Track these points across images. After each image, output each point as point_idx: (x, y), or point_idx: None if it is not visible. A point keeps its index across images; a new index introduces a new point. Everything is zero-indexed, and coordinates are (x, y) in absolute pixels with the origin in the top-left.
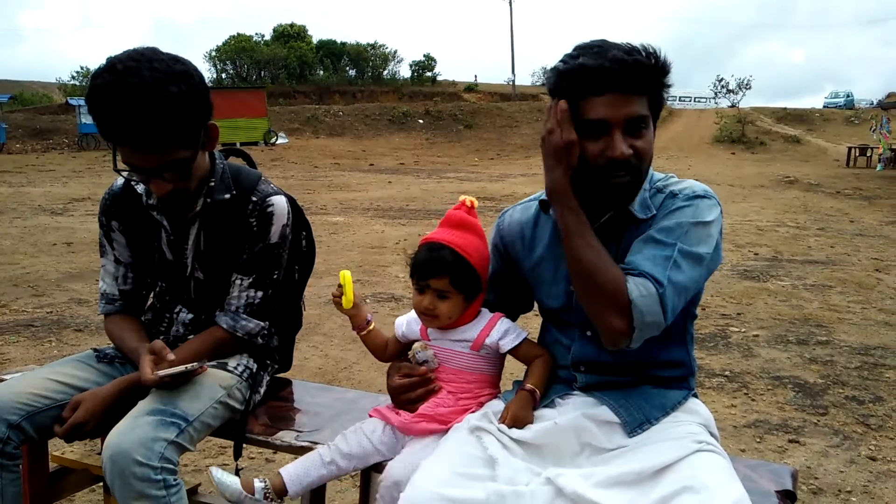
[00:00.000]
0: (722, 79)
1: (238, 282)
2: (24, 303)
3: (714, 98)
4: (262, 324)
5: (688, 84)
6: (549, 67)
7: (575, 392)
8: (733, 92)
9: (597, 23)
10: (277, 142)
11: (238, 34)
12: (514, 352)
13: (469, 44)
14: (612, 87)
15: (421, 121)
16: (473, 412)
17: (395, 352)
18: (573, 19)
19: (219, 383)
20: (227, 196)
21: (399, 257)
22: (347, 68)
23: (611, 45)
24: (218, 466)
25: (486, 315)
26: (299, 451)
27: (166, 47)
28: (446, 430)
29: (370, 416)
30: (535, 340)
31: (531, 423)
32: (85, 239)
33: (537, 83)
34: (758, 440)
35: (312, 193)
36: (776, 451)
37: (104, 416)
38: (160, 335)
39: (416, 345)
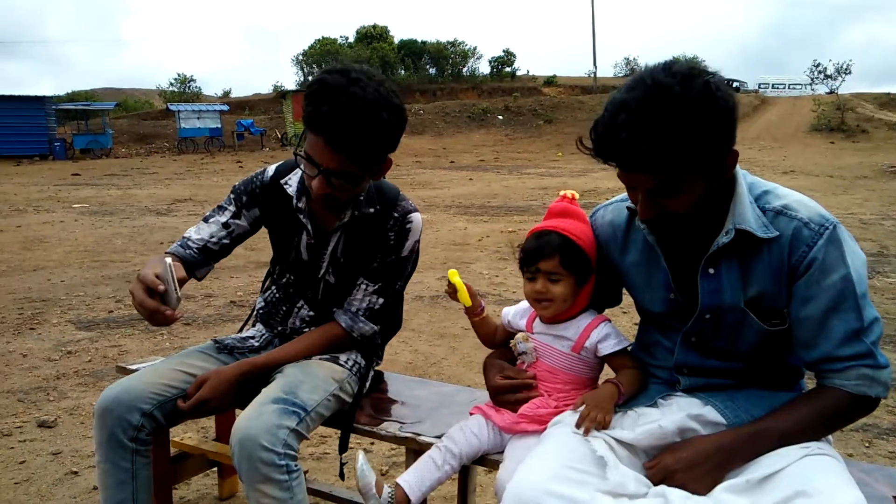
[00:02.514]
0: (819, 64)
1: (364, 286)
2: None
3: (811, 84)
4: (375, 327)
5: (783, 70)
6: (632, 58)
7: (678, 393)
8: (831, 77)
9: (685, 8)
10: None
11: (323, 38)
12: (610, 358)
13: (549, 37)
14: (615, 162)
15: (500, 117)
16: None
17: (502, 339)
18: (659, 5)
19: (332, 376)
20: (372, 210)
21: (482, 254)
22: (428, 67)
23: (622, 117)
24: (363, 451)
25: (589, 315)
26: (403, 441)
27: (258, 53)
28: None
29: (472, 413)
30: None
31: (608, 416)
32: None
33: (620, 74)
34: (866, 445)
35: None
36: (887, 456)
37: (226, 395)
38: (278, 324)
39: (518, 335)
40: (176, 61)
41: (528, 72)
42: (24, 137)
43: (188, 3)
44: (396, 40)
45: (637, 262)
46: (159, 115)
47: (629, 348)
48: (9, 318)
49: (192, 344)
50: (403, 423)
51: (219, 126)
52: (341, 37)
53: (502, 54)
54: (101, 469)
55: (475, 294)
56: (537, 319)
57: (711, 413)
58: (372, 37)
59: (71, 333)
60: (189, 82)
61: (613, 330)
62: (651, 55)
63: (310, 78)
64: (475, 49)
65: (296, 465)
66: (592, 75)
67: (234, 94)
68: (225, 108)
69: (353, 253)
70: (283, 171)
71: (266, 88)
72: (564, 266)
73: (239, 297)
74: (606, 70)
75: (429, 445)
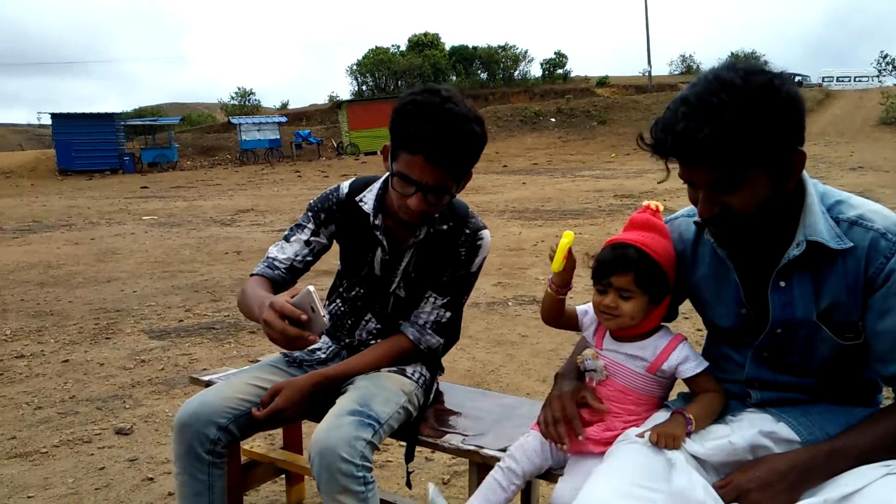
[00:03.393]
0: (887, 55)
1: (432, 300)
2: (205, 307)
3: (878, 76)
4: (441, 340)
5: (848, 63)
6: (688, 55)
7: (749, 409)
8: None
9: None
10: None
11: (376, 47)
12: (689, 380)
13: (601, 37)
14: (674, 156)
15: (553, 119)
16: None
17: (567, 324)
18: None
19: (402, 389)
20: (445, 227)
21: (538, 259)
22: (479, 72)
23: (683, 110)
24: (433, 484)
25: (666, 333)
26: (466, 454)
27: (314, 65)
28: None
29: (532, 429)
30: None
31: (681, 442)
32: (251, 248)
33: (675, 72)
34: None
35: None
36: None
37: (299, 405)
38: (345, 336)
39: (586, 351)
40: (236, 75)
41: (579, 73)
42: (95, 153)
43: (245, 19)
44: (447, 47)
45: (706, 276)
46: (221, 128)
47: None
48: (86, 328)
49: (257, 352)
50: (466, 436)
51: (278, 137)
52: (393, 45)
53: (554, 56)
54: (179, 480)
55: (573, 274)
56: (608, 335)
57: (784, 430)
58: (423, 44)
59: (144, 342)
60: (249, 95)
61: (692, 351)
62: (708, 51)
63: (364, 87)
64: (526, 52)
65: (371, 477)
66: (647, 74)
67: (291, 106)
68: (283, 119)
69: (425, 268)
70: (357, 188)
71: (322, 99)
72: (639, 284)
73: None
74: (661, 68)
75: (492, 458)
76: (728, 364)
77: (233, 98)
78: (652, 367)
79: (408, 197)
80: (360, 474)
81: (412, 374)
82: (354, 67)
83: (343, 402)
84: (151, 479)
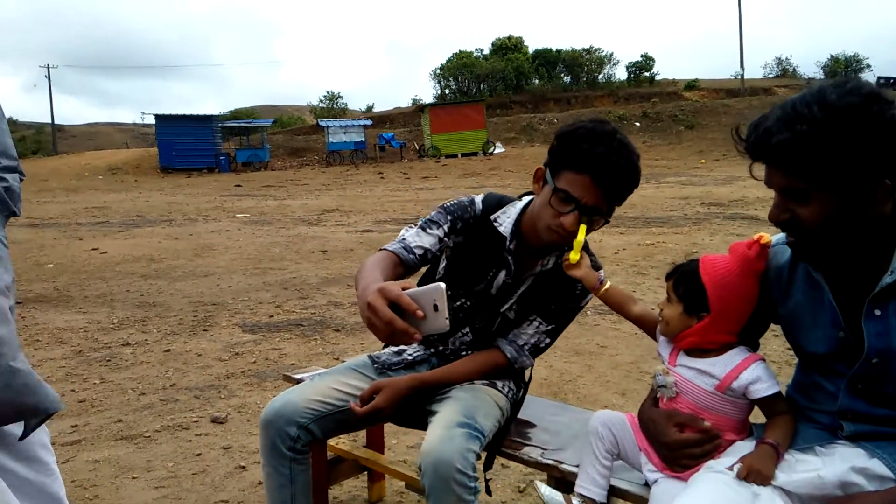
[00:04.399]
0: None
1: (536, 324)
2: (293, 304)
3: None
4: (533, 362)
5: None
6: (784, 58)
7: (840, 441)
8: None
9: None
10: (495, 151)
11: (460, 51)
12: (761, 401)
13: (691, 40)
14: (750, 153)
15: (637, 123)
16: (716, 458)
17: (642, 322)
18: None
19: (497, 402)
20: None
21: (618, 267)
22: (562, 75)
23: (776, 112)
24: (541, 481)
25: (741, 352)
26: (545, 468)
27: (400, 67)
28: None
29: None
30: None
31: (771, 480)
32: (336, 247)
33: (770, 76)
34: None
35: None
36: None
37: (396, 406)
38: (438, 343)
39: (659, 367)
40: (325, 78)
41: (666, 76)
42: (194, 152)
43: (336, 24)
44: (531, 50)
45: (801, 301)
46: (310, 129)
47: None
48: (185, 319)
49: (341, 350)
50: (545, 450)
51: (363, 140)
52: (477, 49)
53: (640, 59)
54: (265, 472)
55: (589, 265)
56: (682, 352)
57: (878, 466)
58: (507, 48)
59: (238, 336)
60: (336, 99)
61: (766, 371)
62: (805, 55)
63: (446, 91)
64: (611, 55)
65: (478, 488)
66: (739, 77)
67: (376, 109)
68: (368, 122)
69: (540, 295)
70: (490, 207)
71: (405, 102)
72: (675, 290)
73: None
74: (755, 71)
75: (571, 474)
76: (819, 394)
77: (321, 101)
78: (721, 384)
79: (563, 215)
80: (472, 485)
81: (502, 388)
82: (438, 71)
83: (449, 414)
84: (243, 467)
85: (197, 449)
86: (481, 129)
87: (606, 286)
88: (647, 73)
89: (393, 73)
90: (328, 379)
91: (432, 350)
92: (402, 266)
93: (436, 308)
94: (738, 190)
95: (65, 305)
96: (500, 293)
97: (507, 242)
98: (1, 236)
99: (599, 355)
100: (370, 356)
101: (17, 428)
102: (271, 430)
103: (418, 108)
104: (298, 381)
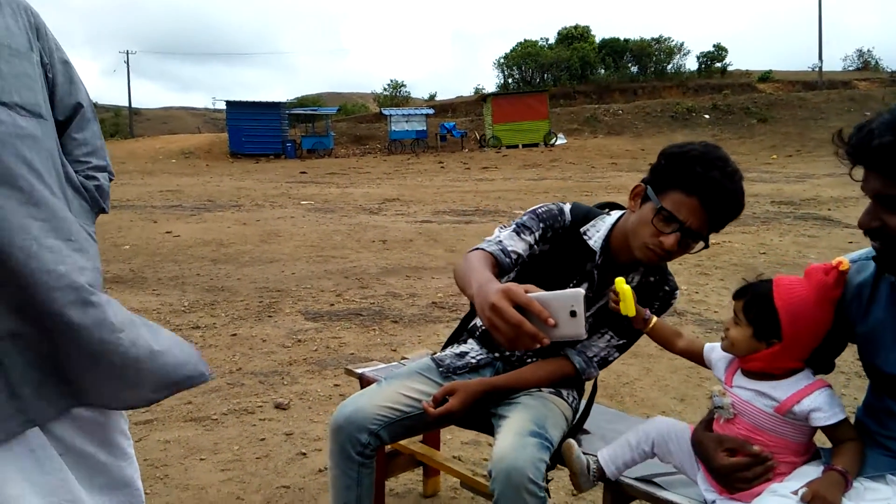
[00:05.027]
0: None
1: (608, 337)
2: (353, 293)
3: None
4: (598, 374)
5: None
6: (866, 50)
7: None
8: None
9: None
10: (556, 143)
11: (525, 40)
12: (826, 429)
13: (766, 30)
14: (852, 155)
15: (707, 116)
16: (779, 481)
17: (689, 357)
18: None
19: (563, 412)
20: (652, 279)
21: (681, 267)
22: (630, 65)
23: (884, 116)
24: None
25: (806, 376)
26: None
27: (463, 56)
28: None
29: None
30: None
31: None
32: (395, 237)
33: (850, 68)
34: None
35: (590, 196)
36: None
37: (467, 409)
38: (499, 349)
39: (715, 388)
40: (389, 66)
41: (739, 67)
42: (262, 138)
43: (399, 11)
44: (598, 39)
45: (882, 319)
46: (373, 118)
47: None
48: (251, 305)
49: (399, 342)
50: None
51: (424, 129)
52: (542, 38)
53: (712, 49)
54: (331, 473)
55: (637, 304)
56: (739, 372)
57: None
58: (573, 37)
59: (300, 323)
60: (400, 87)
61: (830, 400)
62: (889, 46)
63: (509, 80)
64: (682, 45)
65: (546, 498)
66: (817, 69)
67: (438, 97)
68: (430, 111)
69: (618, 310)
70: (579, 219)
71: (468, 91)
72: (745, 312)
73: (440, 298)
74: (834, 63)
75: (630, 487)
76: (892, 421)
77: (385, 89)
78: (781, 407)
79: (664, 235)
80: (542, 495)
81: (567, 397)
82: (502, 60)
83: (521, 422)
84: (304, 454)
85: (261, 434)
86: (543, 120)
87: (653, 323)
88: (718, 64)
89: (456, 62)
90: (395, 384)
91: (496, 354)
92: (498, 268)
93: (573, 314)
94: (811, 188)
95: (139, 287)
96: None
97: (596, 256)
98: (91, 231)
99: (658, 358)
100: (433, 359)
101: (99, 415)
102: (342, 435)
103: (480, 98)
104: (360, 376)
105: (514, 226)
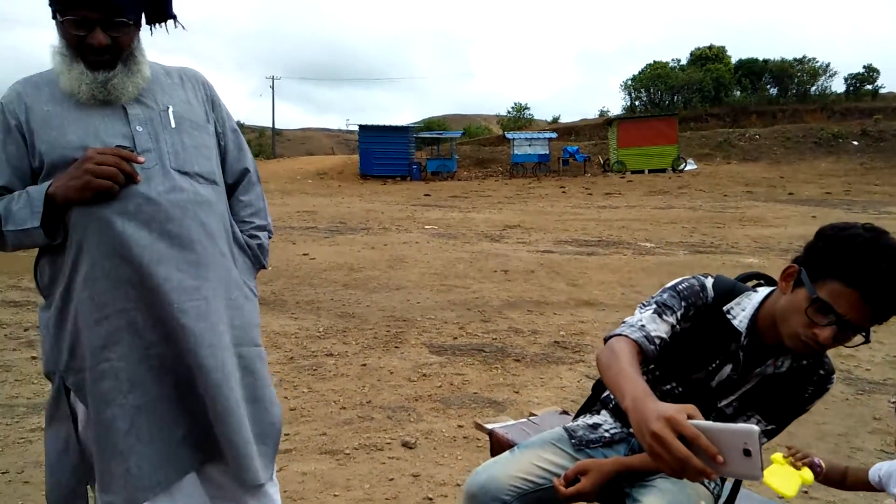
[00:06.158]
0: None
1: (754, 421)
2: (476, 327)
3: None
4: None
5: None
6: None
7: None
8: None
9: None
10: (686, 168)
11: (654, 62)
12: None
13: None
14: None
15: (855, 142)
16: None
17: (857, 487)
18: None
19: (702, 498)
20: (805, 363)
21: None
22: (768, 87)
23: None
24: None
25: None
26: None
27: (589, 78)
28: None
29: None
30: None
31: None
32: (517, 268)
33: None
34: None
35: (722, 228)
36: None
37: (599, 489)
38: (629, 425)
39: (886, 501)
40: (513, 87)
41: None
42: (391, 161)
43: (525, 31)
44: (734, 60)
45: None
46: (496, 141)
47: None
48: (379, 334)
49: (521, 383)
50: None
51: (547, 152)
52: (673, 60)
53: (862, 70)
54: None
55: (808, 463)
56: None
57: None
58: (707, 58)
59: (425, 356)
60: (524, 110)
61: None
62: None
63: (636, 103)
64: (828, 66)
65: None
66: None
67: (562, 120)
68: (554, 135)
69: (765, 395)
70: (722, 295)
71: (592, 113)
72: None
73: (562, 336)
74: None
75: None
76: None
77: (509, 112)
78: None
79: (818, 327)
80: None
81: (707, 483)
82: (629, 82)
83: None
84: (431, 499)
85: (389, 473)
86: (672, 145)
87: (823, 471)
88: (869, 86)
89: (581, 84)
90: (529, 454)
91: (631, 429)
92: (642, 356)
93: (747, 453)
94: None
95: (280, 309)
96: (720, 387)
97: (742, 338)
98: (252, 286)
99: (804, 422)
100: (566, 429)
101: (255, 473)
102: (475, 503)
103: (605, 121)
104: (489, 432)
105: (654, 305)
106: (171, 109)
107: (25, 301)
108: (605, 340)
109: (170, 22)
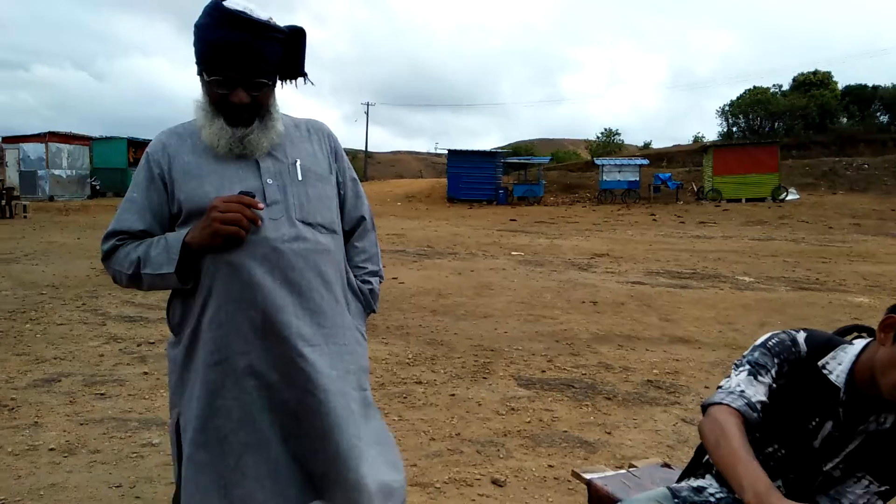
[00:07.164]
0: None
1: (865, 482)
2: (564, 360)
3: None
4: None
5: None
6: None
7: None
8: None
9: None
10: (787, 198)
11: (754, 87)
12: None
13: None
14: None
15: None
16: None
17: None
18: None
19: None
20: None
21: None
22: (878, 114)
23: None
24: None
25: None
26: None
27: (682, 103)
28: None
29: None
30: None
31: None
32: (606, 299)
33: None
34: None
35: (828, 263)
36: None
37: None
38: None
39: None
40: (603, 111)
41: None
42: (478, 185)
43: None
44: (841, 86)
45: None
46: (584, 166)
47: None
48: (467, 363)
49: (612, 423)
50: None
51: (637, 179)
52: (774, 85)
53: None
54: None
55: None
56: None
57: None
58: (811, 84)
59: (513, 389)
60: (613, 136)
61: None
62: None
63: (734, 129)
64: None
65: None
66: None
67: (654, 145)
68: (645, 162)
69: (875, 453)
70: (816, 350)
71: (686, 139)
72: None
73: (655, 375)
74: None
75: None
76: None
77: (598, 137)
78: None
79: None
80: None
81: None
82: (727, 108)
83: None
84: None
85: None
86: (772, 173)
87: None
88: None
89: (674, 109)
90: None
91: (736, 495)
92: (746, 426)
93: None
94: None
95: (371, 334)
96: (824, 447)
97: (840, 393)
98: (363, 330)
99: None
100: (670, 489)
101: None
102: None
103: (700, 148)
104: (587, 482)
105: (747, 366)
106: (298, 163)
107: (139, 317)
108: (703, 408)
109: (300, 79)
